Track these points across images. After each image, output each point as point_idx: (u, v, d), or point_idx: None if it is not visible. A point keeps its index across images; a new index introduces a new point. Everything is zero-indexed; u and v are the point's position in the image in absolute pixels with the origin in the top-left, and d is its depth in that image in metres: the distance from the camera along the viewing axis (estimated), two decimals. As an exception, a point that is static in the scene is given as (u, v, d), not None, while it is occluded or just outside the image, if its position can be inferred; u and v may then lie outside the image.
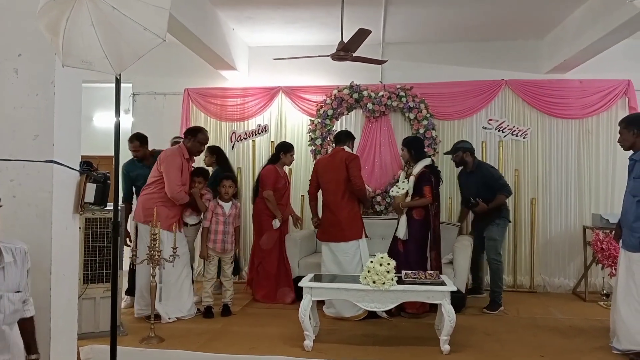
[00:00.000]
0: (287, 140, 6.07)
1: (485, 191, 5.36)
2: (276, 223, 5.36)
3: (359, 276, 3.99)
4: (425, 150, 5.85)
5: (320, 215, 5.04)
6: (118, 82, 2.35)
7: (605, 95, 6.29)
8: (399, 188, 4.92)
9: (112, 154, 2.93)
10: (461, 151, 5.55)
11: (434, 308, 4.50)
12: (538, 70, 6.55)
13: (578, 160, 6.30)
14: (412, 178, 4.87)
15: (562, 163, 6.32)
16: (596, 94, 6.29)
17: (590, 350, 4.03)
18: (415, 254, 4.80)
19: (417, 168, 4.89)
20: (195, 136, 4.84)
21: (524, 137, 6.41)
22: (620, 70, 6.27)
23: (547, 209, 6.34)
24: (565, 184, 6.32)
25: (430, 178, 4.84)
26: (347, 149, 4.93)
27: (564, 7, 5.59)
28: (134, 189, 5.30)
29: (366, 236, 4.85)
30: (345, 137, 5.06)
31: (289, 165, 5.76)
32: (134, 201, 5.27)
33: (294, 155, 5.76)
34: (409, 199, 4.88)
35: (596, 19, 5.17)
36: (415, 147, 5.05)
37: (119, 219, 2.82)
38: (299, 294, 4.73)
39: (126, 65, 2.02)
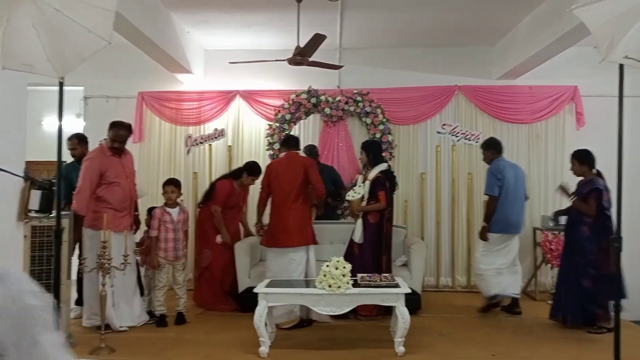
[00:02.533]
0: (245, 144, 6.02)
1: None
2: (219, 239, 5.28)
3: (315, 280, 3.99)
4: (383, 154, 5.92)
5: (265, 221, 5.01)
6: (61, 86, 2.27)
7: (553, 101, 6.52)
8: (355, 192, 4.95)
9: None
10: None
11: (390, 310, 4.54)
12: (489, 76, 6.74)
13: (528, 163, 6.49)
14: (367, 182, 4.91)
15: (512, 166, 6.51)
16: (545, 100, 6.52)
17: (539, 347, 4.15)
18: (370, 257, 4.83)
19: (373, 173, 4.93)
20: (109, 131, 4.65)
21: (476, 142, 6.57)
22: (568, 77, 6.52)
23: (500, 211, 6.50)
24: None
25: (385, 183, 4.88)
26: (301, 154, 4.90)
27: (513, 15, 5.77)
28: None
29: (315, 243, 4.81)
30: (298, 142, 5.05)
31: (246, 186, 5.57)
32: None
33: (256, 181, 5.51)
34: (364, 203, 4.92)
35: (543, 27, 5.36)
36: (373, 150, 5.09)
37: (62, 227, 2.72)
38: (250, 304, 4.59)
39: (70, 68, 1.96)
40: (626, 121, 6.46)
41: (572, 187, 4.86)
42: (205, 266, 5.29)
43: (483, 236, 5.20)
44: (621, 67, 2.64)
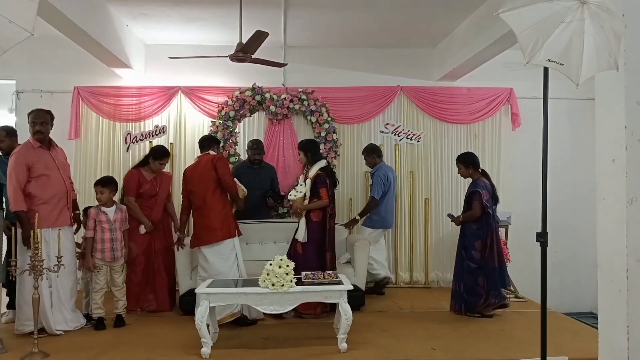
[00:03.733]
0: (188, 141, 5.83)
1: None
2: (142, 229, 5.11)
3: (258, 279, 3.96)
4: (322, 152, 6.05)
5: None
6: (-17, 78, 2.15)
7: (490, 102, 6.77)
8: (297, 191, 4.96)
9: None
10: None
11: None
12: (430, 77, 6.91)
13: (466, 162, 6.70)
14: (308, 181, 4.93)
15: (452, 165, 6.61)
16: (482, 101, 6.75)
17: (476, 340, 4.29)
18: (314, 255, 4.84)
19: (313, 170, 4.95)
20: (28, 118, 4.42)
21: (417, 141, 6.73)
22: (504, 79, 6.78)
23: (440, 208, 6.70)
24: (455, 184, 6.69)
25: (325, 180, 4.91)
26: (212, 152, 4.84)
27: (453, 18, 5.93)
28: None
29: (239, 234, 4.78)
30: (209, 142, 4.97)
31: (155, 172, 5.28)
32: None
33: (165, 164, 5.36)
34: (307, 201, 4.93)
35: (480, 31, 5.54)
36: (311, 149, 5.10)
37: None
38: (191, 307, 4.50)
39: (-10, 59, 1.86)
40: (560, 122, 6.84)
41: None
42: (132, 262, 5.03)
43: (349, 226, 6.01)
44: (545, 69, 2.77)
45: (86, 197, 6.08)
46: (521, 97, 6.78)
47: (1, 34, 1.78)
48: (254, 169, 5.92)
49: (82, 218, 4.92)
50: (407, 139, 6.75)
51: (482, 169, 5.25)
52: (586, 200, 6.23)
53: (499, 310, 5.08)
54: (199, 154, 4.96)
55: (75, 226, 4.76)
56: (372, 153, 6.06)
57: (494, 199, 5.11)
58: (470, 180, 5.20)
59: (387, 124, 6.76)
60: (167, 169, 6.48)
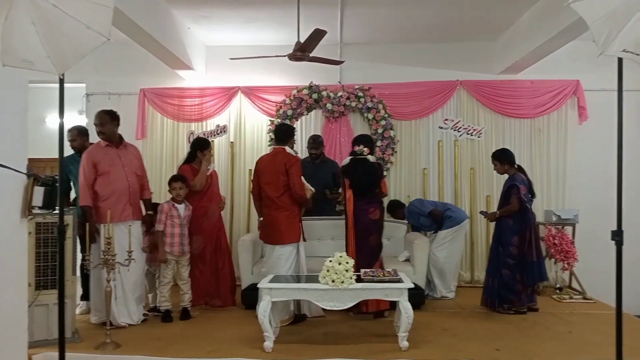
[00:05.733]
0: (247, 140, 5.96)
1: None
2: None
3: (318, 275, 3.99)
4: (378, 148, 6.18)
5: None
6: (62, 82, 2.28)
7: (555, 95, 6.51)
8: None
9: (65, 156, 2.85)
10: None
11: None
12: (491, 71, 6.72)
13: (530, 158, 6.50)
14: None
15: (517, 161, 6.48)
16: (547, 94, 6.51)
17: (542, 341, 4.16)
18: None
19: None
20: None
21: (478, 136, 6.57)
22: (570, 71, 6.51)
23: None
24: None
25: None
26: (288, 149, 4.81)
27: (514, 10, 5.75)
28: (72, 183, 5.08)
29: (304, 240, 4.80)
30: (286, 135, 4.88)
31: (208, 164, 5.26)
32: (72, 195, 5.14)
33: (212, 152, 5.42)
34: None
35: (544, 22, 5.35)
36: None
37: (66, 223, 2.74)
38: (253, 301, 4.71)
39: (69, 64, 1.97)
40: (630, 115, 6.51)
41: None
42: (199, 256, 5.13)
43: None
44: (620, 60, 2.63)
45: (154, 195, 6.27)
46: (588, 90, 6.49)
47: (80, 40, 1.89)
48: (314, 164, 5.96)
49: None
50: (468, 134, 6.60)
51: (518, 165, 5.21)
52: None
53: (565, 310, 4.94)
54: (264, 148, 4.99)
55: (143, 221, 4.81)
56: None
57: (531, 194, 5.10)
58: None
59: (447, 120, 6.63)
60: (227, 167, 6.71)
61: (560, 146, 6.52)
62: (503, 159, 5.16)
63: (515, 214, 4.95)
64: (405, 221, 6.03)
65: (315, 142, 6.00)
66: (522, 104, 6.54)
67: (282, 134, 4.88)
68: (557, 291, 5.84)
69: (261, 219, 4.98)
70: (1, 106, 2.62)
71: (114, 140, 4.62)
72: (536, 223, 5.21)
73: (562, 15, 4.82)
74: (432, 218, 5.73)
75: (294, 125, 6.63)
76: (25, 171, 2.83)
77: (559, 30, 5.02)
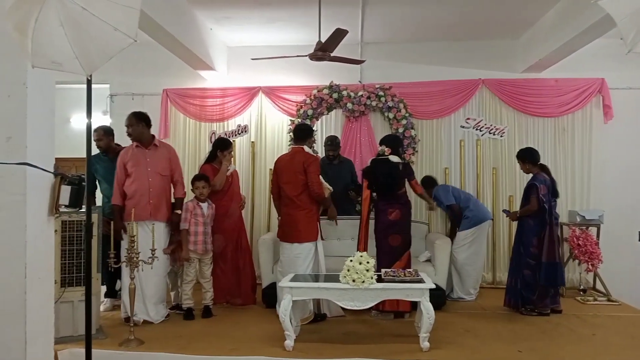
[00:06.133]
0: (268, 140, 5.98)
1: None
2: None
3: (339, 275, 4.00)
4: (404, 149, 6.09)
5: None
6: (89, 83, 2.33)
7: (580, 94, 6.41)
8: None
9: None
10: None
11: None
12: (514, 69, 6.65)
13: (554, 157, 6.40)
14: None
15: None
16: (571, 93, 6.41)
17: (566, 344, 4.10)
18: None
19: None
20: None
21: (501, 136, 6.50)
22: (594, 69, 6.40)
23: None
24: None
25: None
26: (306, 148, 4.82)
27: (537, 8, 5.69)
28: (97, 182, 5.21)
29: (322, 238, 4.82)
30: (305, 135, 4.90)
31: (228, 164, 5.27)
32: (97, 194, 5.27)
33: (233, 153, 5.44)
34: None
35: (568, 20, 5.27)
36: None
37: (92, 221, 2.79)
38: (273, 299, 4.83)
39: (97, 65, 2.00)
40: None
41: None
42: (220, 255, 5.15)
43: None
44: (648, 58, 2.58)
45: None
46: (613, 88, 6.37)
47: (107, 41, 1.92)
48: (333, 165, 5.97)
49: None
50: (490, 133, 6.53)
51: (541, 164, 5.19)
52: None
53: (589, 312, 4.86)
54: (284, 148, 5.00)
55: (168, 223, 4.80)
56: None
57: (554, 194, 5.05)
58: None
59: (469, 119, 6.58)
60: (248, 167, 6.75)
61: (585, 145, 6.41)
62: (525, 158, 5.16)
63: (535, 214, 4.93)
64: (427, 222, 6.01)
65: (332, 144, 5.99)
66: (546, 103, 6.44)
67: (301, 133, 4.92)
68: (581, 293, 5.75)
69: (279, 217, 5.01)
70: (30, 107, 2.68)
71: (143, 140, 4.71)
72: (557, 224, 5.13)
73: (587, 13, 4.75)
74: (450, 212, 5.71)
75: (314, 125, 6.65)
76: (52, 170, 2.89)
77: (585, 28, 4.94)
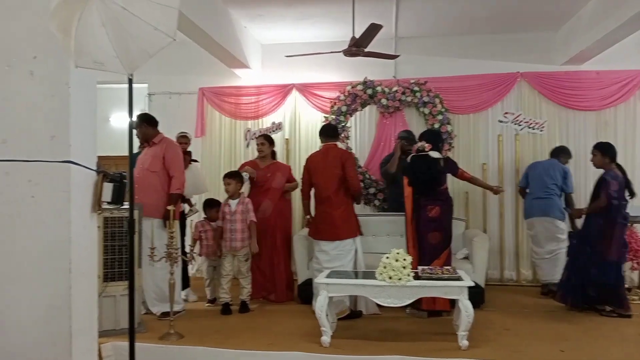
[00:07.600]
0: (302, 137, 6.02)
1: None
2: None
3: (375, 272, 3.97)
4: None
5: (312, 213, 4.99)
6: (130, 82, 2.37)
7: (622, 86, 6.20)
8: None
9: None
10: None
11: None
12: (553, 62, 6.48)
13: (596, 152, 6.20)
14: None
15: (579, 155, 6.21)
16: (613, 85, 6.21)
17: (610, 344, 3.97)
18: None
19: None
20: None
21: (540, 130, 6.35)
22: (637, 61, 6.18)
23: (566, 201, 6.25)
24: (583, 176, 6.22)
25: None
26: (340, 145, 4.86)
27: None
28: None
29: (361, 234, 4.81)
30: (336, 132, 5.00)
31: (267, 161, 5.53)
32: None
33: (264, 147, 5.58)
34: None
35: (610, 10, 5.12)
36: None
37: (134, 217, 2.84)
38: (309, 295, 4.88)
39: (137, 64, 2.04)
40: None
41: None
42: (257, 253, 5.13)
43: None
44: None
45: (212, 190, 6.41)
46: (658, 80, 6.15)
47: (147, 40, 1.96)
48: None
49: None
50: (529, 128, 6.38)
51: (617, 164, 4.94)
52: None
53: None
54: (318, 145, 4.99)
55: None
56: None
57: (630, 194, 4.85)
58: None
59: (507, 113, 6.43)
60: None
61: (628, 139, 6.20)
62: (606, 151, 4.89)
63: (602, 210, 4.73)
64: (465, 218, 5.90)
65: (408, 138, 5.71)
66: (587, 96, 6.25)
67: (332, 131, 4.98)
68: (627, 292, 5.56)
69: (307, 216, 5.01)
70: (73, 107, 2.74)
71: (148, 140, 4.89)
72: (625, 224, 4.90)
73: (628, 4, 4.61)
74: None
75: (348, 122, 6.62)
76: (95, 168, 2.96)
77: (626, 19, 4.80)
